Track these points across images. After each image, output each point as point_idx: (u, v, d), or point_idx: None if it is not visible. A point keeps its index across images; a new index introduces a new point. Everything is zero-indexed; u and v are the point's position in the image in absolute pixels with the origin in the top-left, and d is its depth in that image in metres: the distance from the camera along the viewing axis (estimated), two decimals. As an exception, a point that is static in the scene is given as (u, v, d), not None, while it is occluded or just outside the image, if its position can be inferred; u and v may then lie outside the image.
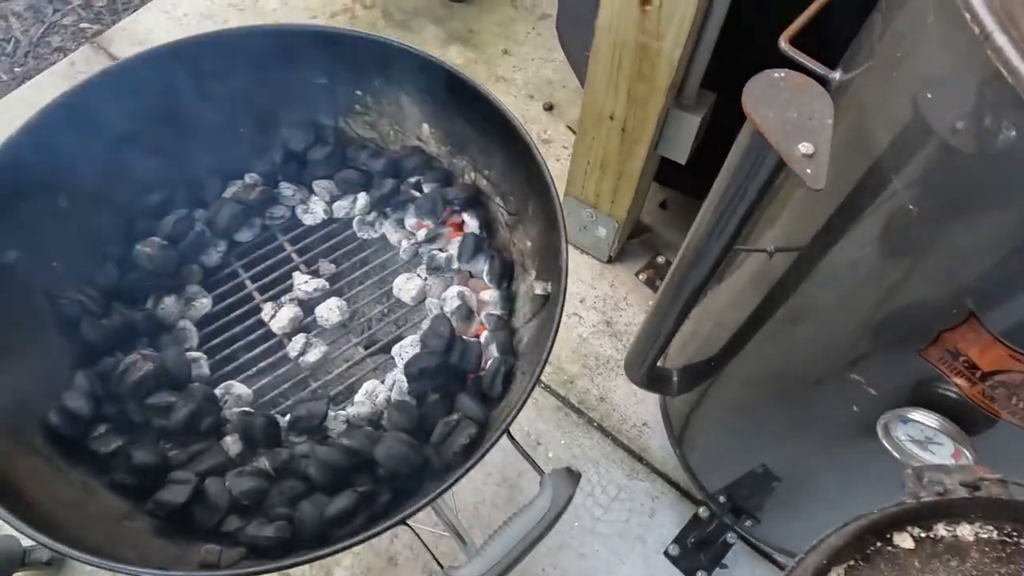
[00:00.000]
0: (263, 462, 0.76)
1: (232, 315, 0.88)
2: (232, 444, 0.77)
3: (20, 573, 1.20)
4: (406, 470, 0.73)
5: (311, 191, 0.95)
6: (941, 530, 0.51)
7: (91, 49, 1.93)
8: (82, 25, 1.97)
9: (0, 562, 1.13)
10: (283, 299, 0.88)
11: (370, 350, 0.87)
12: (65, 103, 0.80)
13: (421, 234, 0.89)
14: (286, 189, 0.93)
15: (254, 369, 0.85)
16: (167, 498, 0.70)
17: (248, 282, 0.90)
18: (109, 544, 0.65)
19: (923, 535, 0.51)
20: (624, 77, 1.18)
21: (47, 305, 0.80)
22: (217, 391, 0.80)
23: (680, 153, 1.30)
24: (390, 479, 0.74)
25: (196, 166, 0.93)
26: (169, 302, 0.85)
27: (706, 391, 1.29)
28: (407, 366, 0.79)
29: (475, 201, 0.90)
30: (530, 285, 0.84)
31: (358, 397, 0.81)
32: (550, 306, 0.75)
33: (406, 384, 0.80)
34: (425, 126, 0.93)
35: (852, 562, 0.50)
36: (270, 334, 0.87)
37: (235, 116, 0.93)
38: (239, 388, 0.81)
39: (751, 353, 1.07)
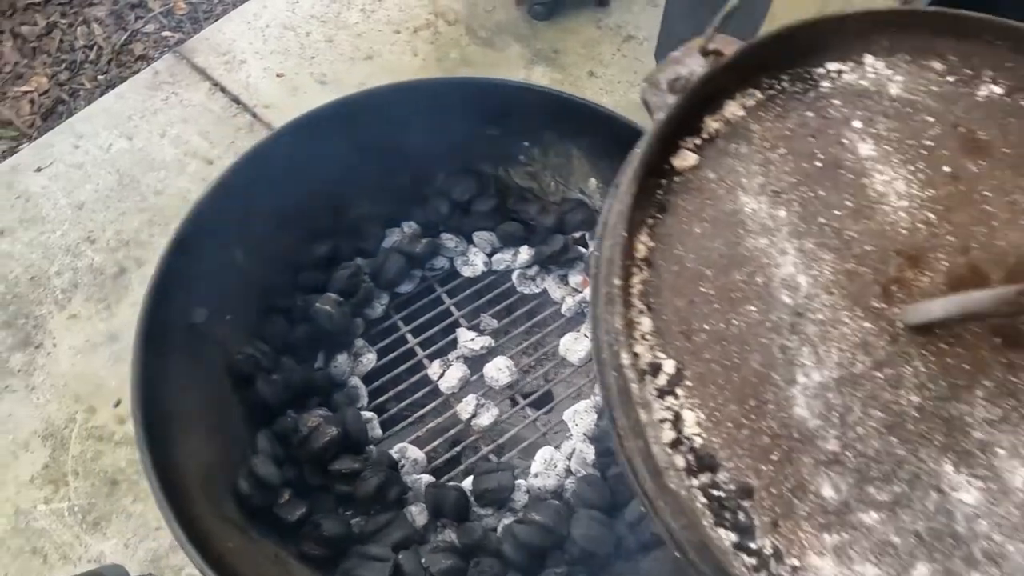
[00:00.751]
0: (448, 534, 0.74)
1: (396, 371, 0.85)
2: (417, 515, 0.75)
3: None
4: (601, 551, 0.71)
5: (471, 242, 0.92)
6: (712, 124, 0.40)
7: (174, 58, 1.91)
8: (164, 33, 1.95)
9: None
10: (450, 356, 0.86)
11: (539, 413, 0.85)
12: (244, 163, 0.77)
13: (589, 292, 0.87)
14: (448, 240, 0.91)
15: (424, 430, 0.83)
16: (368, 577, 0.68)
17: (409, 336, 0.88)
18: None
19: (699, 141, 0.40)
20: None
21: (222, 360, 0.79)
22: (393, 453, 0.78)
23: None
24: (582, 560, 0.72)
25: (356, 214, 0.91)
26: (341, 359, 0.83)
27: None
28: (597, 441, 0.76)
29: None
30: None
31: (536, 466, 0.79)
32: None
33: (591, 455, 0.78)
34: (593, 180, 0.90)
35: (652, 220, 0.38)
36: (436, 392, 0.85)
37: (396, 164, 0.90)
38: (414, 452, 0.79)
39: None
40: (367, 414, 0.81)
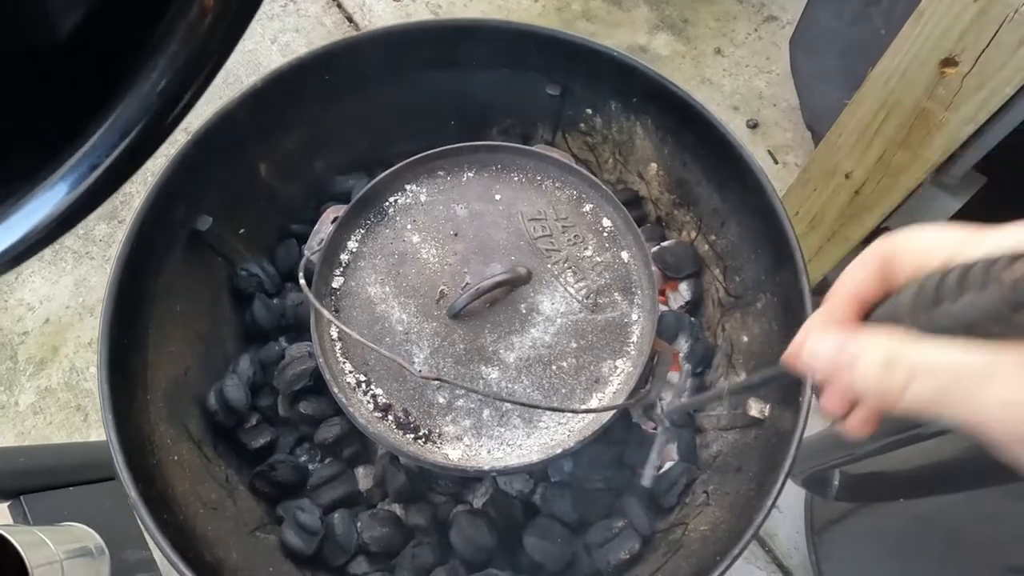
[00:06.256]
0: (394, 507, 0.71)
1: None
2: (363, 477, 0.71)
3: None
4: (553, 567, 0.65)
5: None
6: (343, 256, 0.70)
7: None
8: (298, -60, 1.95)
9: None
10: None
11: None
12: (287, 70, 0.73)
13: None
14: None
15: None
16: (295, 544, 0.65)
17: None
18: (245, 562, 0.61)
19: (340, 270, 0.69)
20: (882, 138, 0.99)
21: (225, 274, 0.77)
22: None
23: (917, 234, 1.10)
24: (530, 570, 0.66)
25: (394, 151, 0.86)
26: (342, 299, 0.80)
27: (870, 507, 1.12)
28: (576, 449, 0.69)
29: (695, 266, 0.78)
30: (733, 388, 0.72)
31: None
32: (768, 437, 0.62)
33: (568, 464, 0.71)
34: (653, 165, 0.80)
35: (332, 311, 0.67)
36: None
37: (447, 107, 0.84)
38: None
39: (954, 502, 0.90)
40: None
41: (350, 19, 1.81)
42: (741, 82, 1.74)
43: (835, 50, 1.41)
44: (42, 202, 0.40)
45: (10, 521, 0.96)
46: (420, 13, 1.82)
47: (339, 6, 1.83)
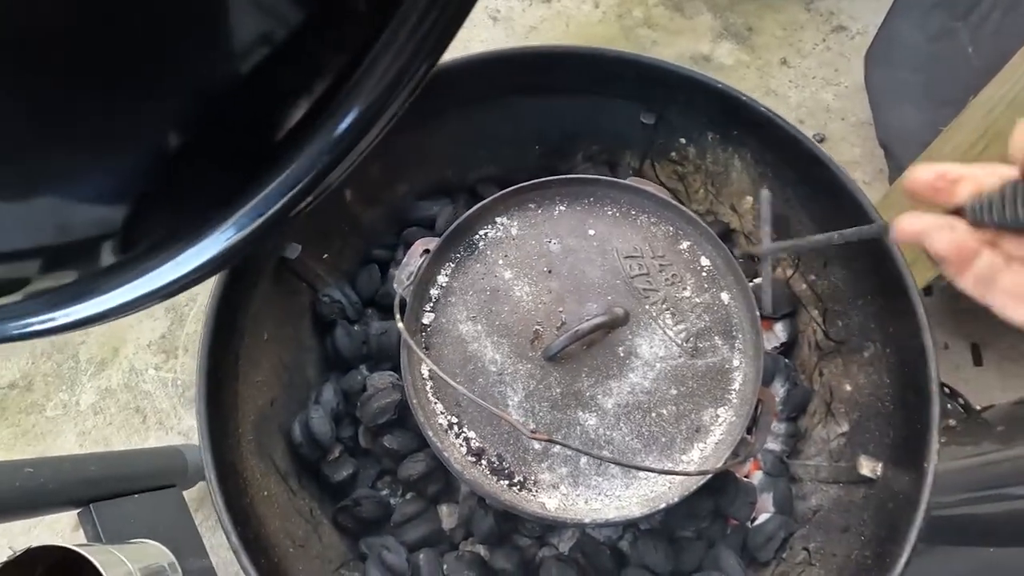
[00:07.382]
0: (478, 547, 0.69)
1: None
2: (447, 516, 0.70)
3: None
4: (644, 620, 0.63)
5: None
6: (432, 292, 0.68)
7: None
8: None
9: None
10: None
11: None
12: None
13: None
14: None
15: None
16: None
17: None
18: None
19: (430, 305, 0.67)
20: (979, 168, 0.95)
21: (308, 300, 0.76)
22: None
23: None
24: (621, 620, 0.64)
25: (479, 176, 0.84)
26: (424, 328, 0.78)
27: (943, 549, 1.08)
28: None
29: (790, 305, 0.75)
30: (833, 440, 0.69)
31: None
32: (882, 498, 0.59)
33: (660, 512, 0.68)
34: (749, 199, 0.77)
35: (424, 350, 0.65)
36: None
37: (532, 133, 0.82)
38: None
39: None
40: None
41: (407, 23, 1.79)
42: (808, 94, 1.69)
43: (915, 66, 1.36)
44: (216, 238, 0.40)
45: (77, 527, 0.97)
46: (479, 17, 1.79)
47: (397, 9, 1.81)
